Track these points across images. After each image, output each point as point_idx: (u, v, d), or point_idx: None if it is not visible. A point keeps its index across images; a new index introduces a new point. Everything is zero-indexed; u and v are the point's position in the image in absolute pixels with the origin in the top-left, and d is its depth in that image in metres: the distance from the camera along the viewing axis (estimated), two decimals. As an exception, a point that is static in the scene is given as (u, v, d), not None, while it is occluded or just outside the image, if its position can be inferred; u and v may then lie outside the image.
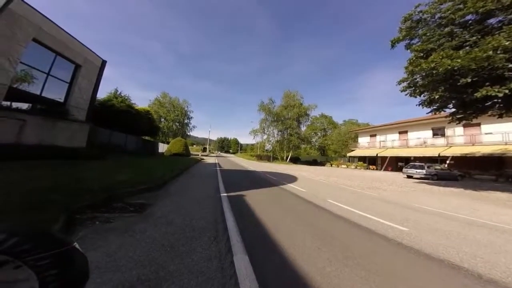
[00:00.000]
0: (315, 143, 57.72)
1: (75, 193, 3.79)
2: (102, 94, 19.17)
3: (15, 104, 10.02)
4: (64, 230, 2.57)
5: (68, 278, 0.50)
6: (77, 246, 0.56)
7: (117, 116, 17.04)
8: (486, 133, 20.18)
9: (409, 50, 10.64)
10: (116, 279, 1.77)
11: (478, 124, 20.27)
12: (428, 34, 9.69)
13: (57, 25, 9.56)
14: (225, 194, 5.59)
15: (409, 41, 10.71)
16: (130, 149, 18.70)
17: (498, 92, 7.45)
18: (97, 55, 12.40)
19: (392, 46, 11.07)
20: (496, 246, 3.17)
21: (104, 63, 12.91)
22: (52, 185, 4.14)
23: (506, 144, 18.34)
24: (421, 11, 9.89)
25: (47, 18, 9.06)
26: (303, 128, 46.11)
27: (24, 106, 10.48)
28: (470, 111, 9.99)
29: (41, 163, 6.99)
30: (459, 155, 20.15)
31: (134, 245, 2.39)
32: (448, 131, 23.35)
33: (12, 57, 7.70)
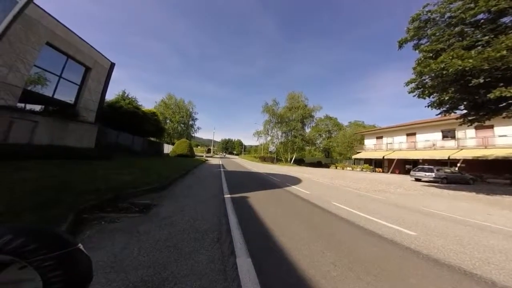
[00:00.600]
0: (319, 144, 57.19)
1: (84, 193, 3.87)
2: (110, 96, 19.68)
3: (28, 106, 10.43)
4: (72, 230, 2.63)
5: (72, 279, 0.51)
6: (81, 247, 0.57)
7: (124, 117, 17.42)
8: (500, 136, 19.46)
9: (417, 51, 10.42)
10: (120, 279, 1.79)
11: (491, 126, 19.56)
12: (437, 34, 9.47)
13: (69, 29, 9.88)
14: (229, 196, 5.59)
15: (417, 41, 10.49)
16: (136, 150, 19.05)
17: None
18: (106, 58, 12.73)
19: (400, 47, 10.87)
20: None
21: (112, 65, 13.24)
22: (62, 185, 4.26)
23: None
24: (429, 11, 9.68)
25: (60, 23, 9.38)
26: (308, 130, 45.90)
27: (37, 107, 10.88)
28: (482, 112, 9.66)
29: (52, 163, 7.19)
30: (470, 158, 19.48)
31: (139, 246, 2.42)
32: (459, 133, 22.64)
33: (27, 60, 8.00)
